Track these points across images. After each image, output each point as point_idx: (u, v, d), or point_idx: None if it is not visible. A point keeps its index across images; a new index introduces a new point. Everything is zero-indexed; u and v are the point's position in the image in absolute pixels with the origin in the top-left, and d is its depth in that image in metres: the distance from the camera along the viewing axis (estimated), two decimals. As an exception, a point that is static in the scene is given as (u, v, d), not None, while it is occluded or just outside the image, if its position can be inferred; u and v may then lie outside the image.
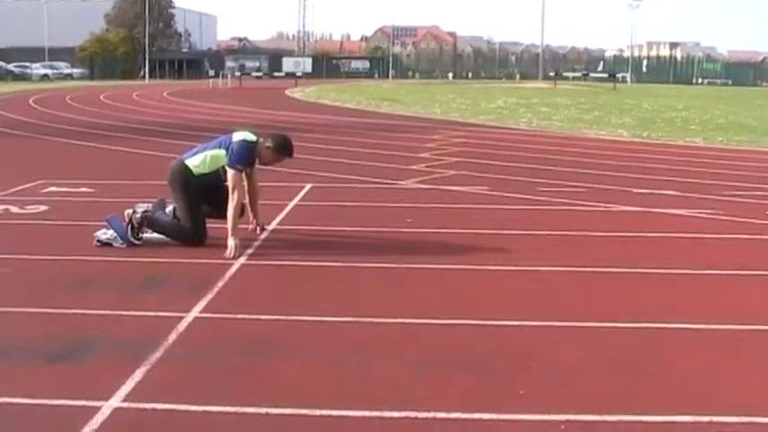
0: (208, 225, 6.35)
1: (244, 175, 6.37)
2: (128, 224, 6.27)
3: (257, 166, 6.55)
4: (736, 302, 5.14)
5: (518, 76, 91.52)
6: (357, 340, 4.33)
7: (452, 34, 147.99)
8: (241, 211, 6.35)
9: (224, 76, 54.45)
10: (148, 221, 6.35)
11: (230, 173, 6.20)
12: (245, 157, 6.28)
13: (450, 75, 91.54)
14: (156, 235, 6.45)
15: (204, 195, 6.39)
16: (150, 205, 6.57)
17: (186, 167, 6.40)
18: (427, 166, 11.50)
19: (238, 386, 3.67)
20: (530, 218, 7.91)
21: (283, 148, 6.44)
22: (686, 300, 5.19)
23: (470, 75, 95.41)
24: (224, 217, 6.19)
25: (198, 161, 6.39)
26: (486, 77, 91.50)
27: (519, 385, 3.71)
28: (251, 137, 6.37)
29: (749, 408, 3.50)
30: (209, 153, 6.37)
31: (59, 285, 5.30)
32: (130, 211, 6.33)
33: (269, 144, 6.38)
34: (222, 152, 6.29)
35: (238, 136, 6.34)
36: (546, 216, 8.02)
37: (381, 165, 11.75)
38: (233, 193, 6.13)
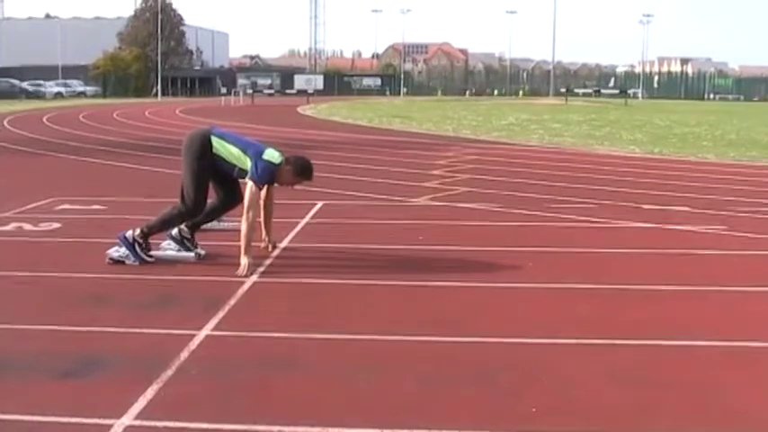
0: (222, 243, 6.35)
1: (262, 192, 6.38)
2: (132, 244, 6.27)
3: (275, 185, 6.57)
4: (747, 318, 5.11)
5: (521, 93, 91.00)
6: (369, 357, 4.32)
7: (464, 51, 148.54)
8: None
9: (236, 94, 54.80)
10: (148, 228, 6.36)
11: (249, 189, 6.18)
12: (266, 177, 6.28)
13: (467, 92, 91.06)
14: (168, 252, 6.48)
15: (211, 175, 6.42)
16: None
17: (209, 142, 6.36)
18: (439, 183, 11.51)
19: (251, 404, 3.67)
20: (540, 235, 7.89)
21: (303, 171, 6.42)
22: (699, 315, 5.16)
23: (495, 92, 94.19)
24: (227, 206, 6.53)
25: (222, 147, 6.34)
26: (496, 95, 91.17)
27: (531, 402, 3.69)
28: (277, 159, 6.29)
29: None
30: (235, 150, 6.31)
31: (72, 302, 5.31)
32: (130, 232, 6.31)
33: (290, 166, 6.36)
34: (247, 160, 6.26)
35: (267, 154, 6.27)
36: (556, 233, 7.99)
37: (393, 182, 11.76)
38: (248, 212, 6.10)
